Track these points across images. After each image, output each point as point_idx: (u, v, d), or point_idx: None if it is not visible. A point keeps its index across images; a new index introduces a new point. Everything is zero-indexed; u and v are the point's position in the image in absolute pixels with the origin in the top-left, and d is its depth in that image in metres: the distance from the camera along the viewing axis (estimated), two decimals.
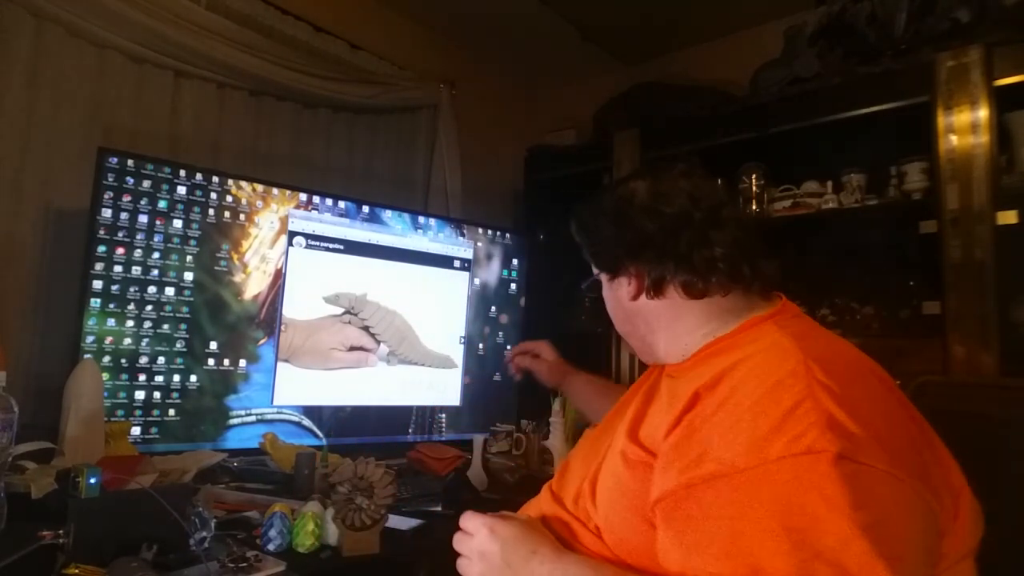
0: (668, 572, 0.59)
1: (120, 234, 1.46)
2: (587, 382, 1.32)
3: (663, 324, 0.79)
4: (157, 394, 1.50)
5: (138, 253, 1.48)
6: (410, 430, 1.92)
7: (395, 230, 1.91)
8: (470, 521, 0.74)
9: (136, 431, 1.46)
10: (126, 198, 1.47)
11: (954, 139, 1.66)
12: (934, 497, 0.56)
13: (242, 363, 1.62)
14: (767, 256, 0.77)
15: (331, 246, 1.78)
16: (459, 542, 0.74)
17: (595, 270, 0.88)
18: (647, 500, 0.63)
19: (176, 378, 1.53)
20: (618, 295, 0.83)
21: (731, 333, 0.73)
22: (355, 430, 1.80)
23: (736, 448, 0.56)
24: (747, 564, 0.52)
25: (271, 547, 1.01)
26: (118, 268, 1.46)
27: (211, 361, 1.58)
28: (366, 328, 1.82)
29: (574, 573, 0.65)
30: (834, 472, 0.51)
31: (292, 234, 1.71)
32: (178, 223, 1.54)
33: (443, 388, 1.98)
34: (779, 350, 0.64)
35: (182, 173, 1.55)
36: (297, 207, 1.73)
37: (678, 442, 0.61)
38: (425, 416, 1.95)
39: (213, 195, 1.59)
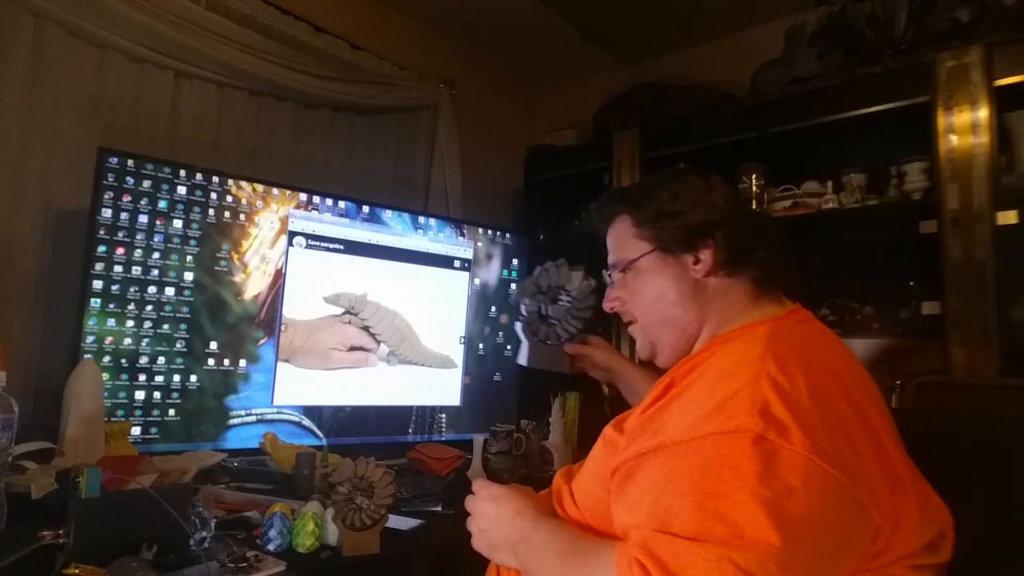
0: (618, 532, 0.67)
1: (120, 234, 1.46)
2: (640, 372, 1.25)
3: (717, 307, 0.83)
4: (157, 394, 1.50)
5: (138, 253, 1.48)
6: (410, 430, 1.92)
7: (395, 230, 1.91)
8: (476, 484, 0.87)
9: (136, 431, 1.46)
10: (126, 198, 1.47)
11: (954, 139, 1.66)
12: (866, 493, 0.59)
13: (242, 363, 1.62)
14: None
15: (331, 246, 1.78)
16: (467, 501, 0.86)
17: (631, 253, 0.88)
18: (608, 474, 0.71)
19: (176, 378, 1.53)
20: (678, 273, 0.84)
21: (735, 330, 0.80)
22: (355, 430, 1.80)
23: (682, 425, 0.62)
24: (659, 517, 0.58)
25: (271, 547, 1.01)
26: (118, 268, 1.46)
27: (211, 361, 1.58)
28: (366, 328, 1.82)
29: (542, 530, 0.75)
30: (751, 449, 0.56)
31: (292, 234, 1.71)
32: (178, 223, 1.54)
33: (443, 388, 1.98)
34: (747, 343, 0.69)
35: (182, 173, 1.55)
36: (297, 207, 1.73)
37: (644, 421, 0.68)
38: (425, 416, 1.95)
39: (213, 195, 1.59)
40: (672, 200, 0.86)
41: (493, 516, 0.80)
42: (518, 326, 1.34)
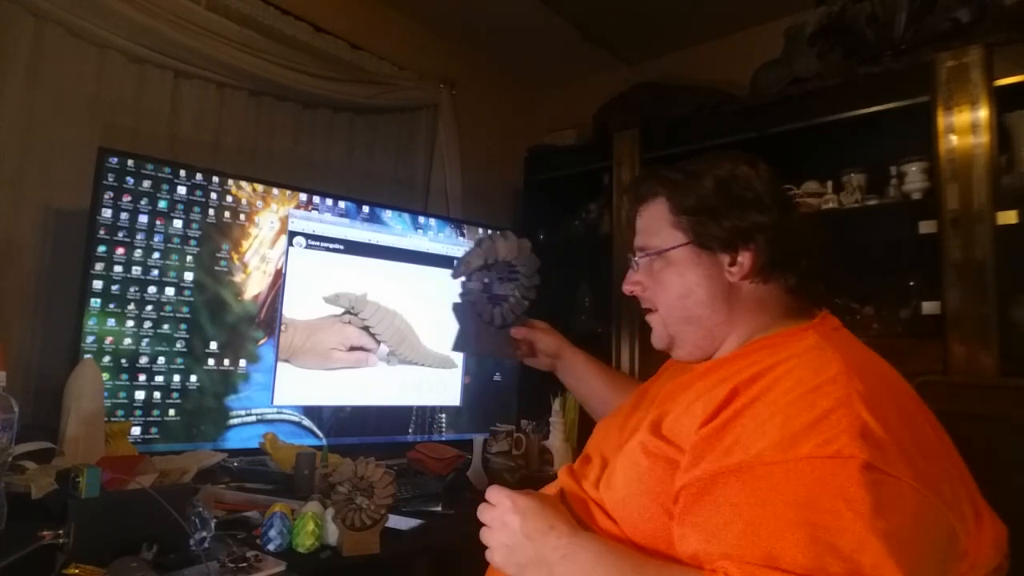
0: (683, 555, 0.61)
1: (120, 234, 1.46)
2: (588, 360, 1.19)
3: (748, 312, 0.78)
4: (157, 394, 1.50)
5: (138, 253, 1.48)
6: (410, 430, 1.92)
7: (395, 230, 1.91)
8: (494, 493, 0.76)
9: (136, 431, 1.46)
10: (126, 198, 1.47)
11: (954, 139, 1.66)
12: (957, 518, 0.57)
13: (242, 363, 1.62)
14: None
15: (331, 246, 1.78)
16: (482, 512, 0.76)
17: (663, 241, 0.82)
18: (667, 490, 0.65)
19: (176, 378, 1.53)
20: (712, 272, 0.79)
21: (790, 331, 0.76)
22: (355, 430, 1.80)
23: (765, 442, 0.58)
24: (762, 550, 0.53)
25: (271, 547, 1.01)
26: (118, 268, 1.46)
27: (211, 361, 1.58)
28: (366, 328, 1.82)
29: (588, 549, 0.67)
30: (860, 478, 0.53)
31: (292, 234, 1.71)
32: (178, 223, 1.54)
33: (443, 388, 1.98)
34: (820, 355, 0.66)
35: (182, 173, 1.55)
36: (297, 207, 1.73)
37: (710, 434, 0.63)
38: (425, 416, 1.95)
39: (213, 195, 1.59)
40: (717, 192, 0.79)
41: (520, 530, 0.71)
42: (458, 306, 1.17)
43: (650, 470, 0.69)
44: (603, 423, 0.96)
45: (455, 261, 1.17)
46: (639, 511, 0.69)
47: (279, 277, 1.69)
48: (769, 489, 0.56)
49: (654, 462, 0.69)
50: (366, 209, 1.86)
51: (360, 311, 1.81)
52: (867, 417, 0.57)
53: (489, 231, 1.13)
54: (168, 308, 1.52)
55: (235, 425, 1.60)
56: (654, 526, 0.67)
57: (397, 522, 1.19)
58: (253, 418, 1.63)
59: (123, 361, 1.46)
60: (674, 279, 0.81)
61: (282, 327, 1.68)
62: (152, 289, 1.50)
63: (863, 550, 0.51)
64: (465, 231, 2.06)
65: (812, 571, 0.51)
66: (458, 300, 1.17)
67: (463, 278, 1.16)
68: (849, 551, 0.51)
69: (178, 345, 1.53)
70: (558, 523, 0.70)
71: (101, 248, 1.44)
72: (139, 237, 1.48)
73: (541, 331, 1.18)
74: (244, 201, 1.64)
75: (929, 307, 1.71)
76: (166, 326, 1.51)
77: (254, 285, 1.65)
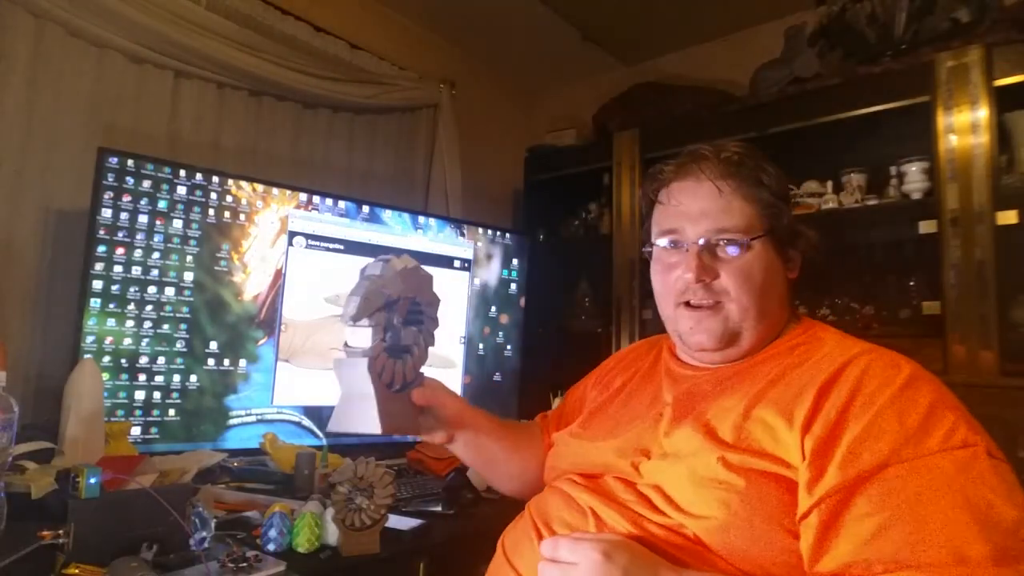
0: (822, 572, 0.58)
1: (120, 234, 1.46)
2: (490, 422, 1.05)
3: (786, 310, 0.81)
4: (157, 394, 1.50)
5: (138, 253, 1.48)
6: None
7: (395, 230, 1.91)
8: (569, 549, 0.64)
9: (136, 431, 1.46)
10: (126, 198, 1.47)
11: (954, 139, 1.66)
12: None
13: (242, 363, 1.62)
14: None
15: (331, 246, 1.78)
16: (556, 572, 0.64)
17: (752, 227, 0.76)
18: (785, 508, 0.62)
19: (176, 378, 1.53)
20: (779, 267, 0.79)
21: (798, 331, 0.79)
22: None
23: (890, 441, 0.59)
24: (946, 549, 0.54)
25: (271, 547, 1.01)
26: (118, 268, 1.46)
27: (211, 361, 1.58)
28: None
29: None
30: (989, 463, 0.58)
31: (292, 234, 1.71)
32: (178, 223, 1.54)
33: None
34: (883, 353, 0.69)
35: (182, 173, 1.55)
36: (297, 207, 1.73)
37: (823, 442, 0.62)
38: None
39: (213, 195, 1.59)
40: (785, 188, 0.81)
41: None
42: (344, 364, 0.84)
43: (750, 489, 0.63)
44: (570, 440, 0.89)
45: (347, 300, 0.80)
46: (750, 536, 0.62)
47: (279, 277, 1.68)
48: (918, 487, 0.57)
49: (751, 479, 0.64)
50: (366, 209, 1.86)
51: None
52: (960, 407, 0.62)
53: (384, 256, 0.82)
54: (168, 308, 1.52)
55: (235, 425, 1.60)
56: (771, 551, 0.61)
57: (397, 522, 1.19)
58: (253, 418, 1.63)
59: (123, 361, 1.46)
60: (762, 270, 0.76)
61: (282, 327, 1.68)
62: (152, 289, 1.50)
63: (1019, 527, 0.54)
64: (465, 231, 2.06)
65: (999, 559, 0.52)
66: (341, 355, 0.82)
67: (353, 323, 0.81)
68: (1011, 530, 0.54)
69: (178, 345, 1.53)
70: (659, 568, 0.62)
71: (101, 248, 1.44)
72: (139, 237, 1.48)
73: (443, 393, 0.92)
74: (244, 201, 1.64)
75: (929, 307, 1.71)
76: (166, 326, 1.51)
77: (254, 285, 1.65)
